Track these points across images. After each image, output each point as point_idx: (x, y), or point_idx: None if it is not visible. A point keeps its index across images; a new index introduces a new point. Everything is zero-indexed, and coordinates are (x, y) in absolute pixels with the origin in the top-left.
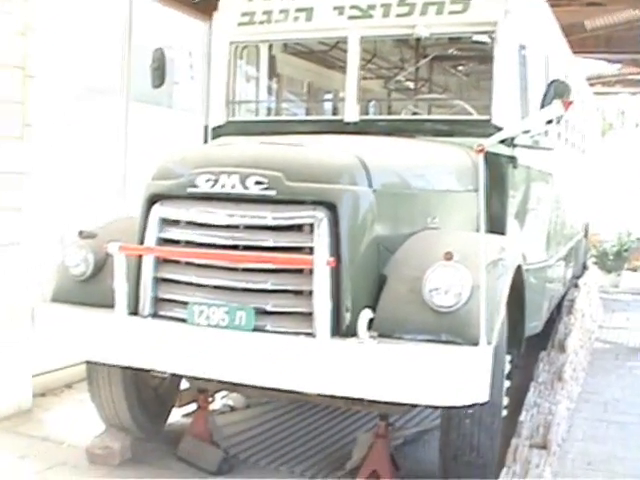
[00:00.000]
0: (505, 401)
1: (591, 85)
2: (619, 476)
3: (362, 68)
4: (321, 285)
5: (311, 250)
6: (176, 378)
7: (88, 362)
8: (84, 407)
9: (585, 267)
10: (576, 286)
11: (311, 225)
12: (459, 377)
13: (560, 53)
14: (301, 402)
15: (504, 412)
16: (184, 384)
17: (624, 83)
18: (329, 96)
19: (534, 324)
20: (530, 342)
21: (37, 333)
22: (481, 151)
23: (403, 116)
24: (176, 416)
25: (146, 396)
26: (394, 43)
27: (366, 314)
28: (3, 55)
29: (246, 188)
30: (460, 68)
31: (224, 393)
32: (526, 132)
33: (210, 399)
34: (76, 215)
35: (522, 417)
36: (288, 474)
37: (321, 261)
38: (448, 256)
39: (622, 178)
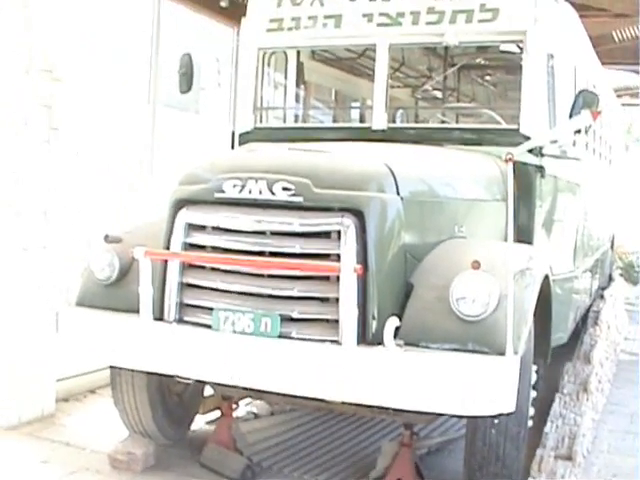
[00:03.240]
0: (531, 411)
1: (619, 96)
2: None
3: (390, 76)
4: (348, 292)
5: (338, 257)
6: (200, 384)
7: (112, 367)
8: (107, 412)
9: (611, 278)
10: (602, 297)
11: (338, 232)
12: (485, 387)
13: (588, 63)
14: (326, 410)
15: (530, 422)
16: (208, 391)
17: None
18: (356, 104)
19: (560, 335)
20: (555, 353)
21: (61, 337)
22: (510, 160)
23: (431, 124)
24: (200, 423)
25: (170, 402)
26: (422, 51)
27: (392, 322)
28: (31, 59)
29: (273, 194)
30: (488, 77)
31: (248, 400)
32: (554, 142)
33: (234, 406)
34: (104, 220)
35: (547, 428)
36: None
37: (348, 268)
38: (475, 265)
39: None
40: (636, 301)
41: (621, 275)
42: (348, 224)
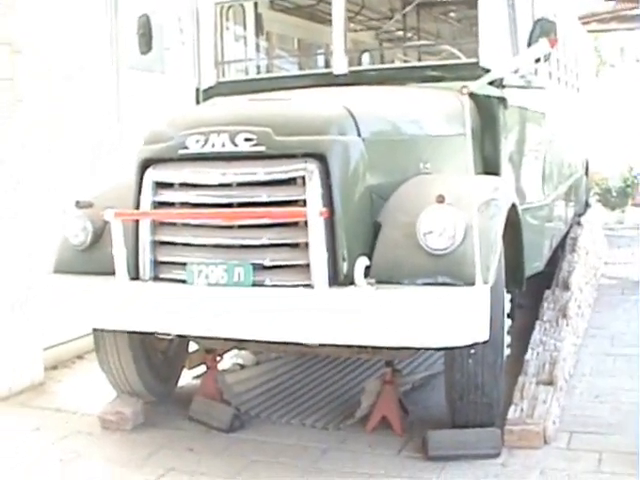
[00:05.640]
0: (507, 340)
1: (586, 23)
2: (626, 406)
3: (351, 20)
4: (316, 236)
5: (304, 203)
6: (184, 340)
7: (95, 330)
8: (96, 377)
9: (588, 205)
10: (579, 224)
11: (303, 178)
12: (458, 317)
13: None
14: (309, 355)
15: (507, 351)
16: (193, 347)
17: (619, 19)
18: (320, 50)
19: (536, 264)
20: (536, 282)
21: (42, 306)
22: (465, 92)
23: (391, 65)
24: (187, 378)
25: (155, 360)
26: None
27: (362, 262)
28: None
29: (236, 145)
30: (448, 14)
31: (233, 352)
32: (515, 72)
33: (218, 358)
34: (76, 187)
35: (528, 355)
36: (299, 426)
37: (314, 212)
38: (440, 199)
39: (623, 115)
40: (615, 226)
41: (599, 201)
42: (312, 169)
